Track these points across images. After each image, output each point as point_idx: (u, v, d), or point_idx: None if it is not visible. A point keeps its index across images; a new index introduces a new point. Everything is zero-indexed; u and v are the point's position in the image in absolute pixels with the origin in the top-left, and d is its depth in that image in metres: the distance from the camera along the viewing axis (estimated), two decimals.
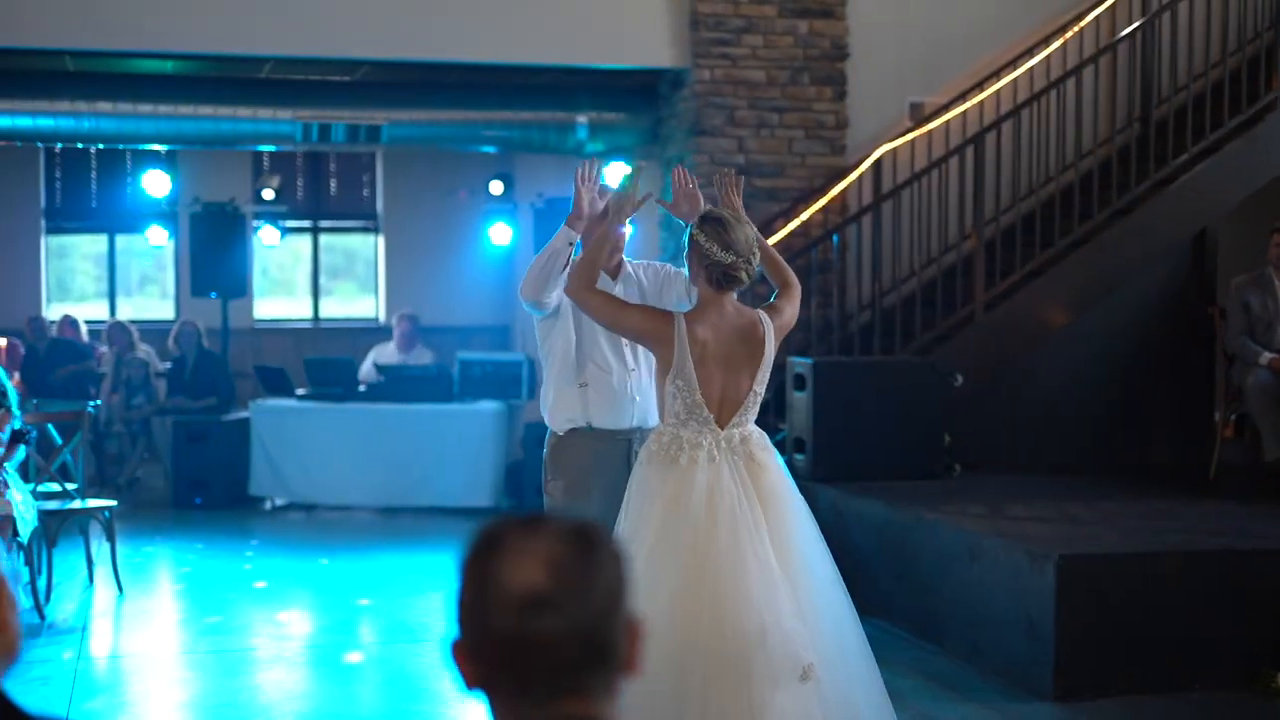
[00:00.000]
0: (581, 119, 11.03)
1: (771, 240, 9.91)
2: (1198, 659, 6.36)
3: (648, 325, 4.92)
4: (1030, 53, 10.56)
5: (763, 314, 4.96)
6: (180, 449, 11.35)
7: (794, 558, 4.76)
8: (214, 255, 11.76)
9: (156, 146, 11.89)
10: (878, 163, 10.18)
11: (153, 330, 13.81)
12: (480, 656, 1.67)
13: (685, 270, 5.10)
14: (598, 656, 1.66)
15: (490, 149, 11.39)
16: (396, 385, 11.31)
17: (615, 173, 11.12)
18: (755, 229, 5.02)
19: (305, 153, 14.46)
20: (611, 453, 5.39)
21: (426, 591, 8.45)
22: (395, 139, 10.80)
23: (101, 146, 12.78)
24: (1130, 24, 10.42)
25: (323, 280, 15.49)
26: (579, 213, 5.37)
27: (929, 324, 9.31)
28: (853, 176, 10.28)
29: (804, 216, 10.26)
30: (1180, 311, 9.81)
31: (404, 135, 10.81)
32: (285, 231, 13.88)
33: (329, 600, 8.35)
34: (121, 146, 12.56)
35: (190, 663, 7.11)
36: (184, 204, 12.67)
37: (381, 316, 15.21)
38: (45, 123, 10.36)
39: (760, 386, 4.92)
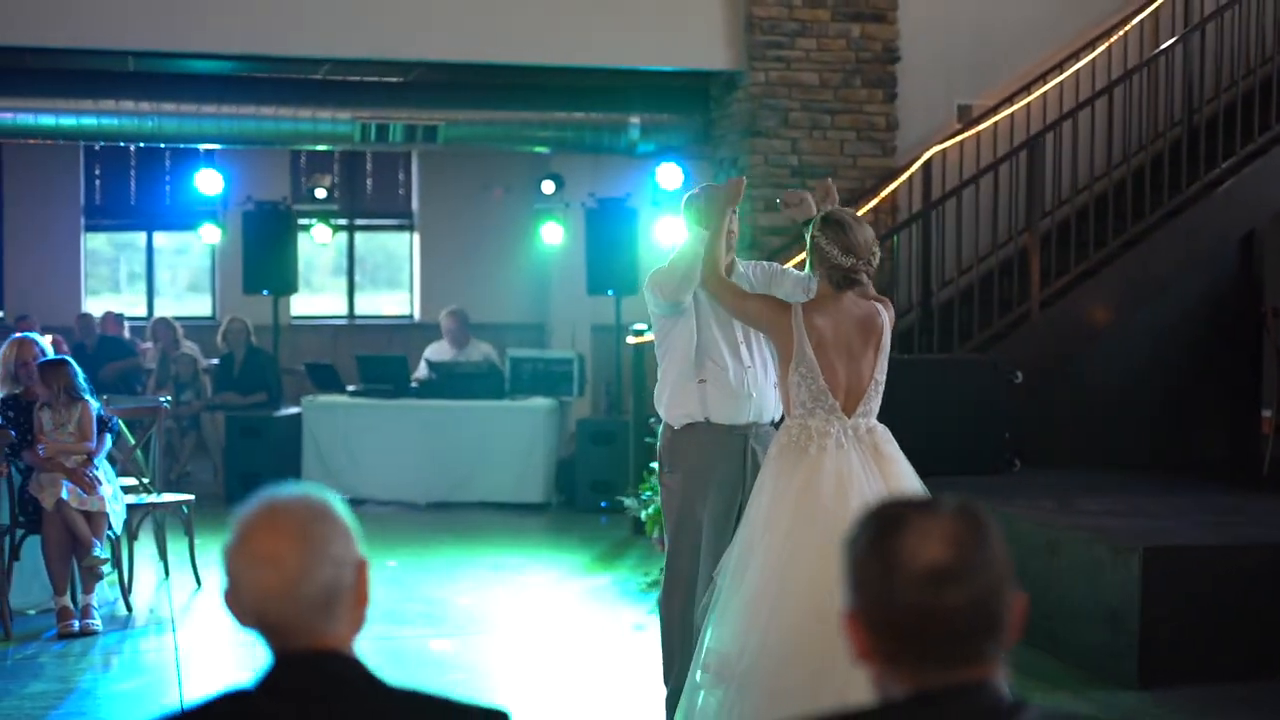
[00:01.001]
0: (634, 119, 11.20)
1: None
2: (1277, 647, 6.54)
3: (768, 314, 5.12)
4: (1076, 56, 10.74)
5: (879, 304, 5.13)
6: (233, 444, 11.50)
7: None
8: (265, 253, 11.91)
9: (211, 146, 12.07)
10: (927, 164, 10.36)
11: (191, 327, 13.94)
12: (881, 628, 1.84)
13: (807, 266, 5.26)
14: (991, 626, 1.83)
15: (543, 149, 11.54)
16: (448, 382, 11.47)
17: (668, 173, 11.32)
18: (872, 233, 5.19)
19: (342, 152, 14.61)
20: (728, 447, 5.56)
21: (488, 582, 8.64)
22: (451, 139, 10.97)
23: (163, 145, 12.93)
24: (1173, 26, 10.63)
25: (358, 278, 15.65)
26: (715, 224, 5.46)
27: (985, 323, 9.48)
28: (903, 178, 10.45)
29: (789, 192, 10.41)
30: (1227, 311, 10.00)
31: (459, 135, 10.98)
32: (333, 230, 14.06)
33: (402, 591, 8.51)
34: (183, 146, 12.71)
35: None
36: (235, 202, 12.80)
37: (417, 314, 15.37)
38: (109, 122, 10.52)
39: (881, 375, 5.07)
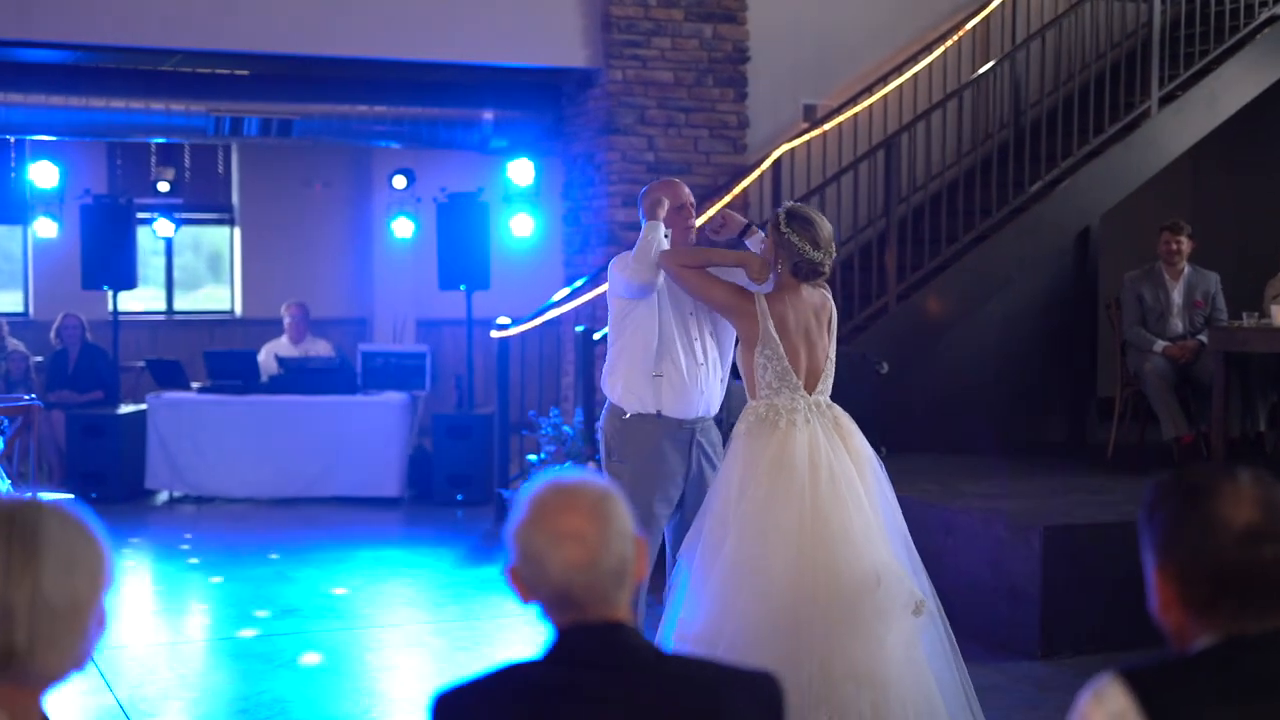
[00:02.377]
0: (487, 115, 11.28)
1: None
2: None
3: (733, 299, 5.40)
4: (914, 59, 11.20)
5: (827, 291, 5.49)
6: (74, 443, 11.24)
7: (884, 517, 5.21)
8: (104, 248, 11.64)
9: (45, 138, 11.73)
10: (777, 162, 10.69)
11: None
12: (1200, 581, 2.08)
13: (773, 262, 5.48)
14: None
15: (395, 144, 11.53)
16: (298, 378, 11.39)
17: (520, 169, 11.42)
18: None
19: (158, 145, 14.30)
20: (677, 440, 5.78)
21: (363, 576, 8.67)
22: (306, 132, 10.89)
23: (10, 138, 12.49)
24: (1003, 31, 11.19)
25: (176, 273, 15.31)
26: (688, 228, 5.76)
27: (845, 315, 9.84)
28: (754, 176, 10.75)
29: (710, 213, 10.66)
30: (1066, 303, 10.57)
31: (314, 129, 10.92)
32: (147, 223, 13.71)
33: (265, 588, 8.48)
34: (27, 138, 12.30)
35: (181, 653, 7.22)
36: (72, 196, 12.45)
37: (238, 309, 15.13)
38: None
39: (833, 355, 5.43)
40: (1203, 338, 9.37)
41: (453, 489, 11.17)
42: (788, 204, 5.56)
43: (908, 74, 11.10)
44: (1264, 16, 10.72)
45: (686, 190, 6.01)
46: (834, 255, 5.41)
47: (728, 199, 10.71)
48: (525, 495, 2.34)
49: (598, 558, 2.27)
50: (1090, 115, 10.29)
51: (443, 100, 11.23)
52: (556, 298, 10.51)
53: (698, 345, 5.78)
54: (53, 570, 2.06)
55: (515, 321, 10.43)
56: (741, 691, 2.30)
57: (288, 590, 8.36)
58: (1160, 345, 9.39)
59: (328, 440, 11.25)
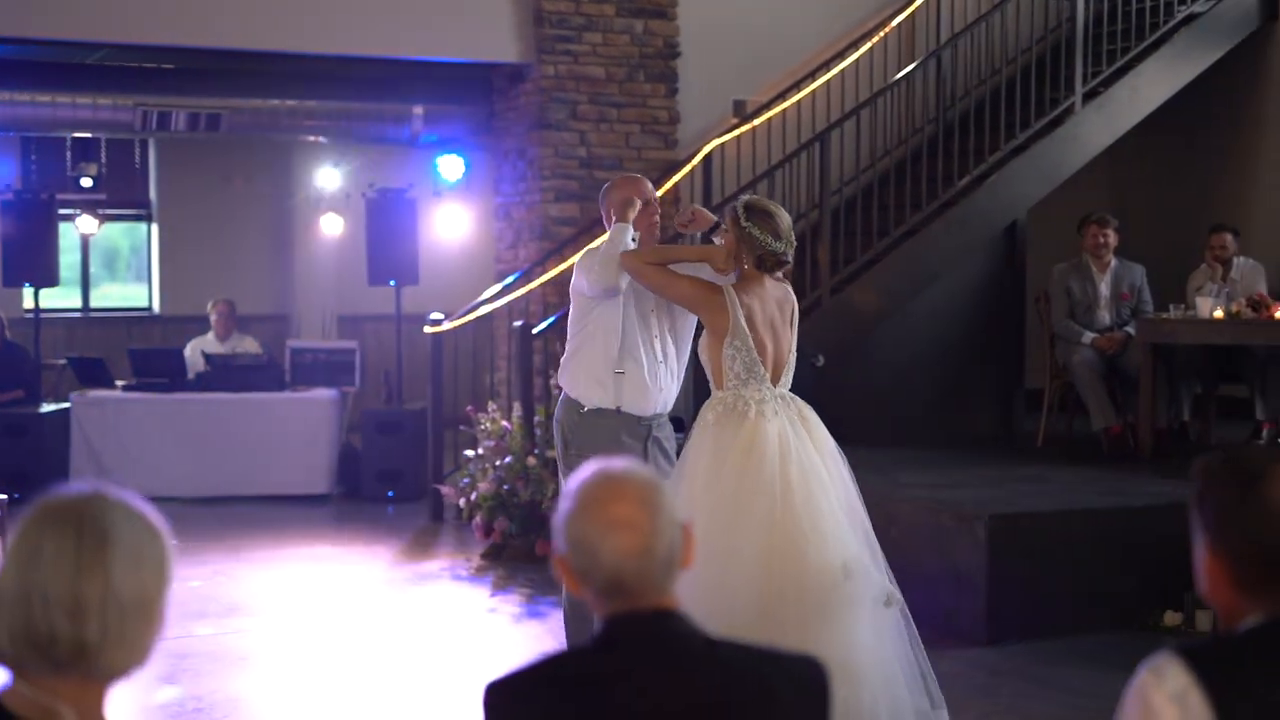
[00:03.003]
0: (417, 110, 11.24)
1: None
2: (1104, 603, 7.16)
3: (700, 293, 5.44)
4: (841, 55, 11.29)
5: (788, 285, 5.55)
6: None
7: (849, 510, 5.26)
8: (25, 245, 11.45)
9: None
10: (708, 157, 10.75)
11: None
12: (1253, 563, 2.15)
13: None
14: None
15: (324, 138, 11.46)
16: (226, 375, 11.27)
17: (450, 164, 11.39)
18: None
19: (74, 140, 14.09)
20: (635, 435, 5.82)
21: (296, 574, 8.63)
22: (234, 127, 10.80)
23: None
24: (928, 27, 11.33)
25: (93, 270, 15.10)
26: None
27: None
28: (685, 170, 10.79)
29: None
30: (995, 296, 10.71)
31: (243, 124, 10.83)
32: (69, 219, 13.52)
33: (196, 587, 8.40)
34: None
35: None
36: None
37: (156, 306, 14.95)
38: None
39: (794, 349, 5.49)
40: (1130, 329, 9.55)
41: (383, 485, 11.12)
42: (745, 198, 5.59)
43: (836, 70, 11.18)
44: (1183, 14, 10.92)
45: (649, 186, 6.04)
46: (795, 245, 5.45)
47: (659, 194, 10.72)
48: (574, 485, 2.36)
49: (650, 544, 2.29)
50: (1016, 111, 10.45)
51: (372, 95, 11.18)
52: (489, 293, 10.50)
53: (658, 343, 5.82)
54: (122, 564, 2.05)
55: (448, 317, 10.40)
56: (790, 678, 2.34)
57: (227, 590, 8.29)
58: (1089, 337, 9.56)
59: (256, 438, 11.14)
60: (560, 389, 6.04)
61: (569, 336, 5.99)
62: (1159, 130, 11.18)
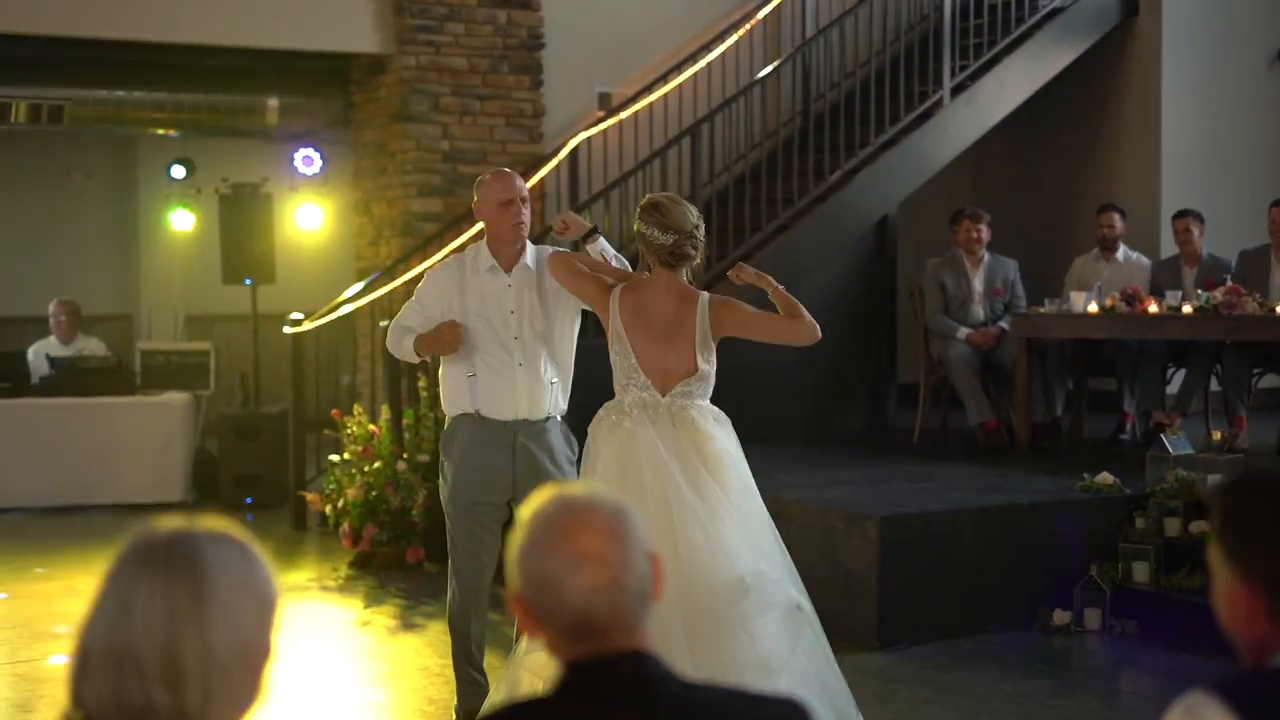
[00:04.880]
0: (271, 102, 10.84)
1: (475, 229, 10.10)
2: (994, 602, 7.08)
3: (594, 294, 5.27)
4: (708, 47, 11.12)
5: (705, 294, 5.20)
6: None
7: (747, 520, 5.05)
8: None
9: None
10: (575, 151, 10.51)
11: None
12: None
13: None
14: None
15: (173, 131, 11.00)
16: (72, 379, 10.77)
17: (306, 158, 11.00)
18: (696, 210, 5.24)
19: None
20: (496, 439, 5.55)
21: None
22: (78, 119, 10.30)
23: None
24: (793, 20, 11.23)
25: None
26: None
27: None
28: (551, 164, 10.55)
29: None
30: (866, 291, 10.62)
31: (86, 116, 10.33)
32: None
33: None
34: None
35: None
36: None
37: None
38: None
39: (704, 363, 5.12)
40: (1004, 324, 9.52)
41: (242, 491, 10.70)
42: (646, 197, 5.35)
43: (702, 63, 11.01)
44: (1047, 9, 10.95)
45: (520, 181, 5.74)
46: (692, 236, 5.12)
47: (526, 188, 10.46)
48: (530, 516, 2.11)
49: (621, 579, 2.05)
50: (886, 104, 10.37)
51: (225, 86, 10.73)
52: (350, 292, 10.14)
53: (516, 343, 5.54)
54: (223, 612, 1.78)
55: (307, 316, 10.03)
56: None
57: (80, 608, 7.84)
58: (964, 332, 9.50)
59: (105, 443, 10.66)
60: None
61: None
62: (1023, 125, 11.19)
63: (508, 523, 5.65)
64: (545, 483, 5.43)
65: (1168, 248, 10.49)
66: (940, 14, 10.56)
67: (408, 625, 7.36)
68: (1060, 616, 7.13)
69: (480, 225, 9.49)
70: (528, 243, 5.64)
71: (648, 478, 4.97)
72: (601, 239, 5.62)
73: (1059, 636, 7.04)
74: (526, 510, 2.13)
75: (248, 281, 10.99)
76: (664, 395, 5.07)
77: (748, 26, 11.22)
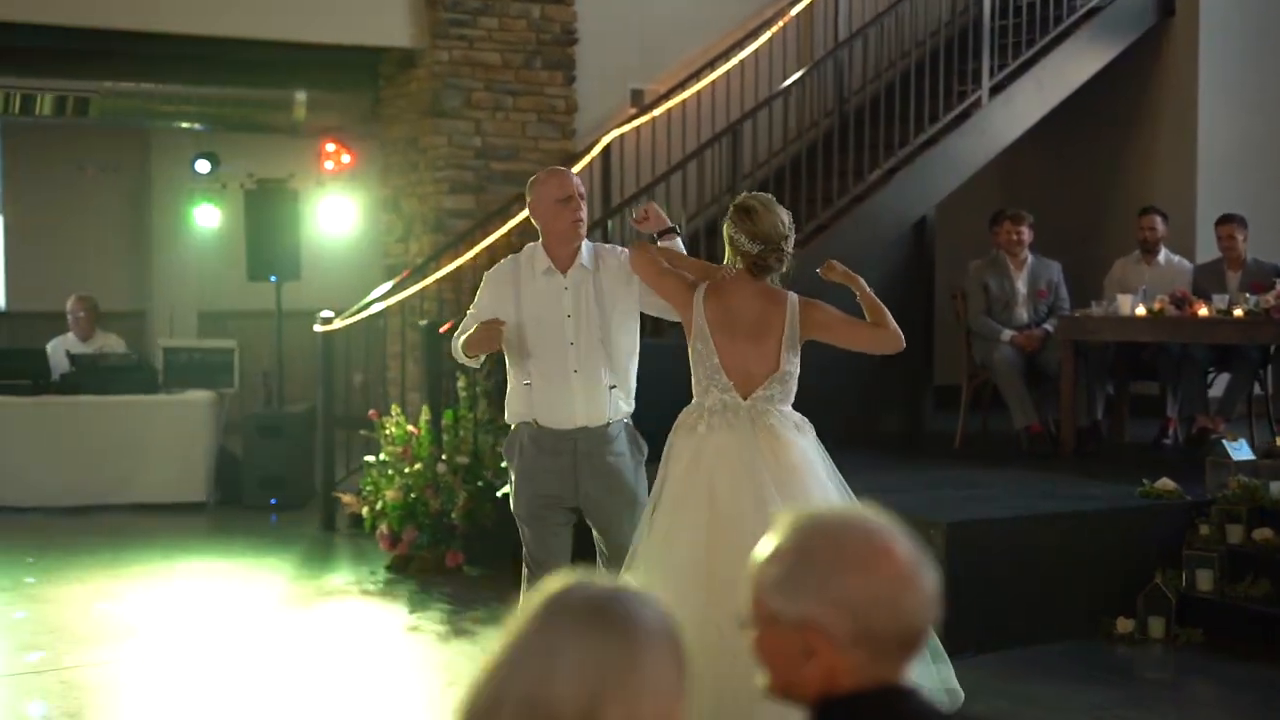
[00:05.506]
0: (300, 96, 10.66)
1: (507, 226, 9.96)
2: (1058, 611, 6.95)
3: (675, 291, 5.13)
4: (740, 44, 10.97)
5: (793, 295, 5.08)
6: None
7: None
8: None
9: None
10: (607, 148, 10.36)
11: None
12: None
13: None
14: None
15: (199, 125, 10.82)
16: (93, 376, 10.58)
17: (334, 154, 10.83)
18: (788, 215, 5.12)
19: None
20: (555, 450, 5.39)
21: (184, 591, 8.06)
22: (105, 112, 10.12)
23: None
24: (827, 16, 11.10)
25: None
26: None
27: None
28: (584, 161, 10.37)
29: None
30: (904, 292, 10.46)
31: (113, 109, 10.15)
32: None
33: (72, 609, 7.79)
34: None
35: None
36: None
37: (3, 303, 14.10)
38: None
39: (788, 365, 5.02)
40: (1048, 326, 9.40)
41: (266, 493, 10.54)
42: (740, 195, 5.19)
43: (735, 60, 10.88)
44: (1085, 8, 10.83)
45: (576, 180, 5.57)
46: (779, 249, 5.02)
47: None
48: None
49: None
50: (926, 103, 10.24)
51: (252, 80, 10.56)
52: (382, 289, 9.97)
53: (571, 349, 5.37)
54: (651, 682, 1.64)
55: (336, 315, 9.86)
56: None
57: (108, 611, 7.65)
58: (1008, 335, 9.38)
59: (127, 442, 10.49)
60: None
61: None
62: (1059, 125, 11.06)
63: (577, 525, 5.54)
64: (612, 487, 5.32)
65: (1203, 251, 10.39)
66: (980, 10, 10.43)
67: (459, 631, 7.19)
68: (1124, 625, 7.01)
69: (516, 220, 9.56)
70: (585, 241, 5.49)
71: (720, 486, 4.84)
72: (678, 239, 5.48)
73: (1123, 645, 6.92)
74: (793, 539, 2.03)
75: (273, 278, 10.81)
76: (745, 398, 4.94)
77: (781, 24, 11.09)
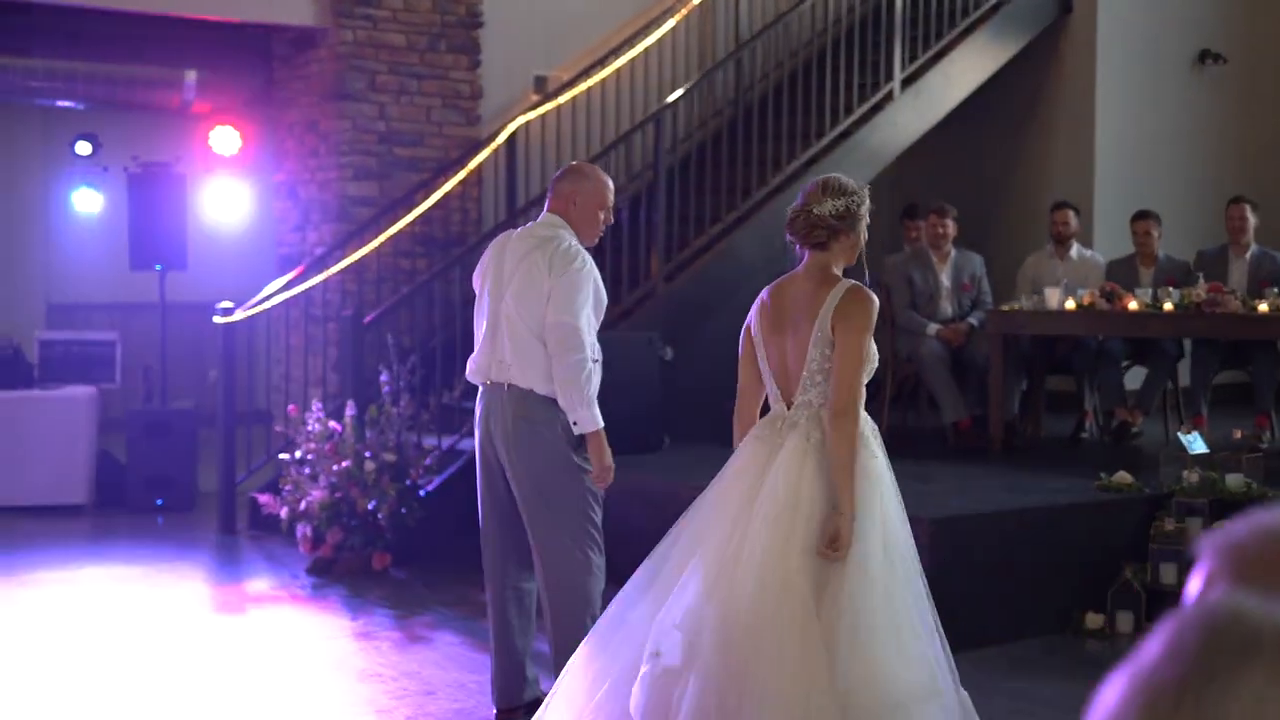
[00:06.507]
0: (189, 75, 10.11)
1: (412, 215, 9.60)
2: (1029, 606, 6.86)
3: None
4: (644, 31, 10.74)
5: (845, 285, 4.40)
6: None
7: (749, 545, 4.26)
8: None
9: None
10: (512, 136, 10.04)
11: None
12: None
13: None
14: None
15: (77, 104, 10.17)
16: None
17: (223, 136, 10.30)
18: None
19: None
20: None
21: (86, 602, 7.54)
22: None
23: None
24: (729, 5, 10.97)
25: None
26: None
27: (614, 298, 9.30)
28: (490, 149, 10.04)
29: (446, 188, 9.89)
30: None
31: None
32: None
33: None
34: None
35: None
36: None
37: None
38: None
39: (819, 359, 4.34)
40: (972, 320, 9.35)
41: (151, 493, 9.96)
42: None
43: (639, 47, 10.64)
44: (991, 3, 10.82)
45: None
46: (805, 210, 4.44)
47: (463, 174, 9.97)
48: None
49: None
50: (841, 95, 10.13)
51: (138, 57, 9.96)
52: (285, 279, 9.50)
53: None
54: None
55: (236, 306, 9.37)
56: None
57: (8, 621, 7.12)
58: (933, 328, 9.30)
59: (1, 440, 9.82)
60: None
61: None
62: (965, 120, 11.05)
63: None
64: (517, 467, 5.14)
65: (1100, 245, 10.47)
66: (891, 5, 10.35)
67: (415, 638, 6.81)
68: (1093, 620, 6.95)
69: (422, 209, 9.21)
70: None
71: (712, 508, 4.45)
72: None
73: (1093, 640, 6.85)
74: None
75: (158, 267, 10.22)
76: (789, 406, 4.41)
77: (684, 11, 10.89)
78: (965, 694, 4.42)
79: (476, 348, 5.35)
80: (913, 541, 4.49)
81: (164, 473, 9.96)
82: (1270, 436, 8.96)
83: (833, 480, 4.24)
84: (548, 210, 5.42)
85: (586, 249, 5.35)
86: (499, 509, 5.36)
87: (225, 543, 9.07)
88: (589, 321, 5.20)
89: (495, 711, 5.48)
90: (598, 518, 5.29)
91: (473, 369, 5.37)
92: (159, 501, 9.95)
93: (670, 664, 4.18)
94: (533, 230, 5.40)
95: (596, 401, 5.17)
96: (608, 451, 5.23)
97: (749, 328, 4.61)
